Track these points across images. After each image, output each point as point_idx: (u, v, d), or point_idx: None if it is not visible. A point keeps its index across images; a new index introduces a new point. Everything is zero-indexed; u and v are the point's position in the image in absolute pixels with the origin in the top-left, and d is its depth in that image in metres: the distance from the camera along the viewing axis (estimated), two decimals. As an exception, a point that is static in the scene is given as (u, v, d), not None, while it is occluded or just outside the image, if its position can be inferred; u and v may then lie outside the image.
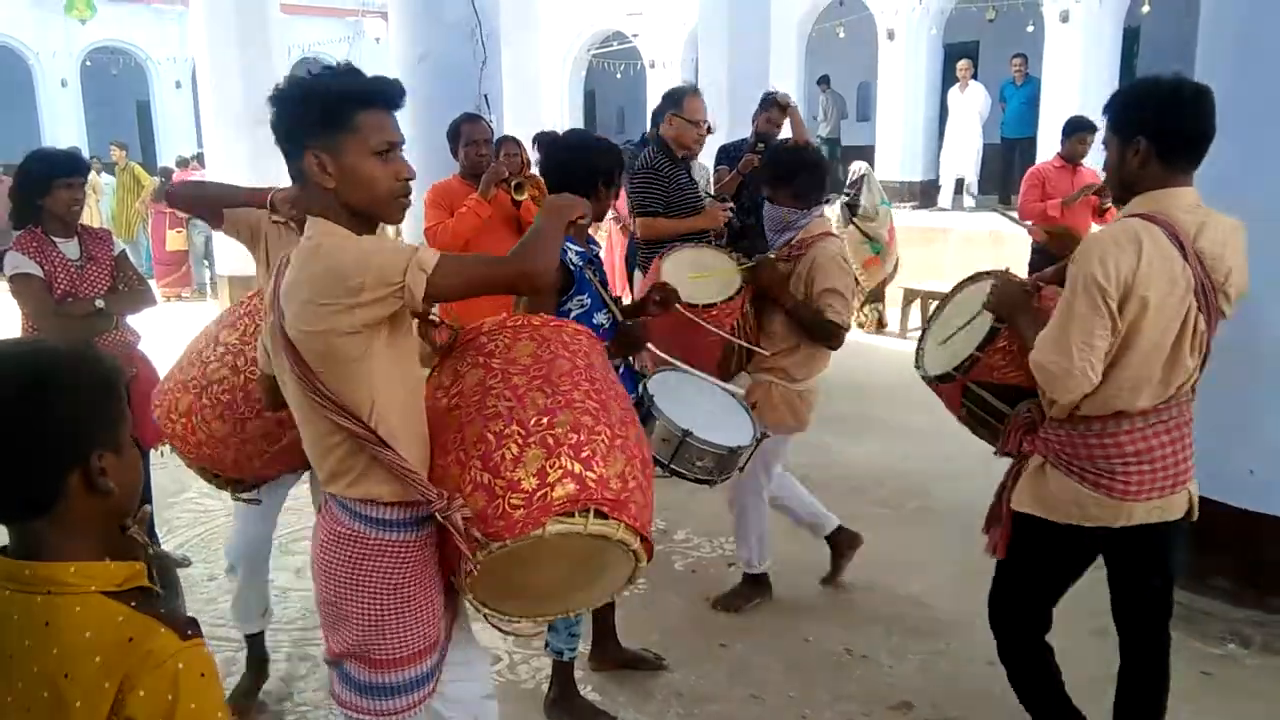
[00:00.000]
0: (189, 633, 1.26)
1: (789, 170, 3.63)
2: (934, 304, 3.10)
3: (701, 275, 3.54)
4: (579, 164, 2.95)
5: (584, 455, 1.96)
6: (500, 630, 2.25)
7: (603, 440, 2.00)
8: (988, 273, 2.88)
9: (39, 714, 1.22)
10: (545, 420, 1.97)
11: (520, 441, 1.95)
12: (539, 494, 1.91)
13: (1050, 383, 2.37)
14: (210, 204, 3.23)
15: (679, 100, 4.83)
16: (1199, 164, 2.40)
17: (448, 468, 2.00)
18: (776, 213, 3.65)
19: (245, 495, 2.94)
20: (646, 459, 2.11)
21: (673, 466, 2.86)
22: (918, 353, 3.00)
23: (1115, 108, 2.46)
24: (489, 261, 2.13)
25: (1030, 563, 2.63)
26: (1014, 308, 2.59)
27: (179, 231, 12.56)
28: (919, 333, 3.13)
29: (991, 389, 2.66)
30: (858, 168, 9.04)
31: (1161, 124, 2.35)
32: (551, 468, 1.93)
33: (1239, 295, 2.43)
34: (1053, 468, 2.48)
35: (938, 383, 2.80)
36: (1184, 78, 2.41)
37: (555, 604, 2.22)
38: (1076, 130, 6.63)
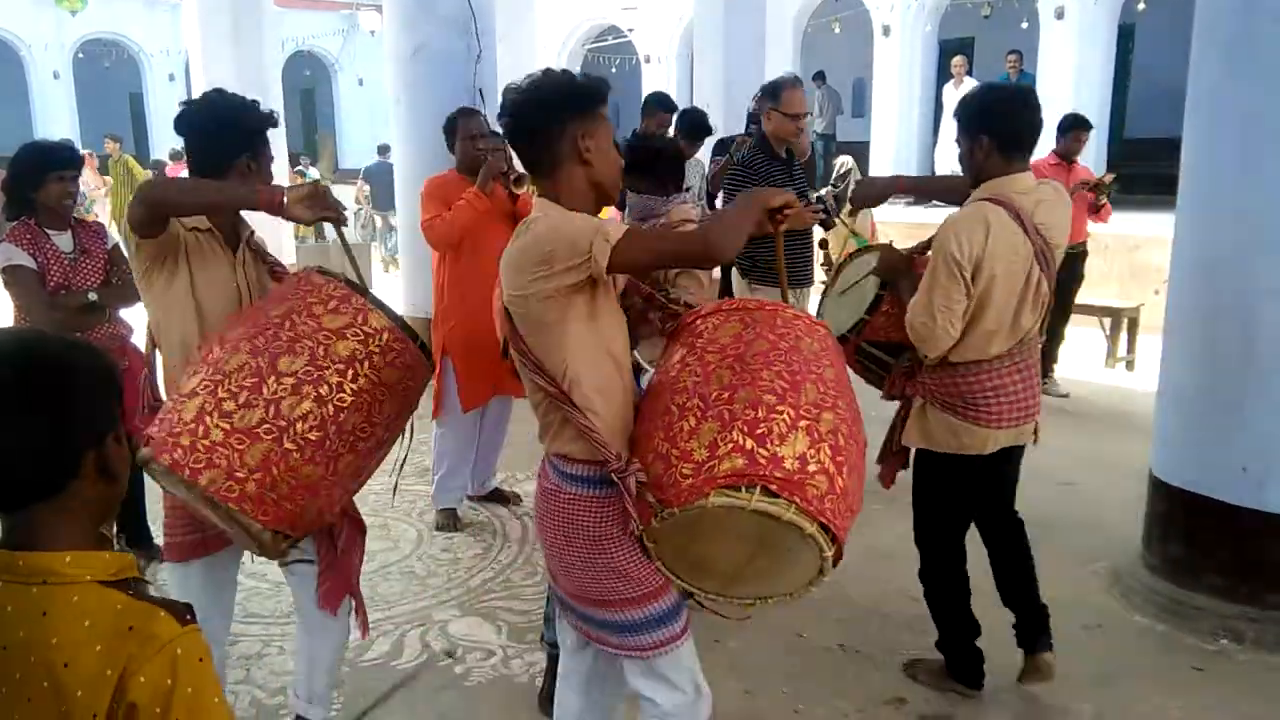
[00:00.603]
0: (186, 618, 1.27)
1: (647, 160, 3.62)
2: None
3: None
4: None
5: (758, 432, 1.95)
6: (702, 606, 2.27)
7: (783, 420, 1.97)
8: (872, 247, 3.34)
9: (39, 704, 1.22)
10: (725, 395, 2.01)
11: (698, 414, 2.01)
12: (707, 465, 1.95)
13: (919, 339, 2.89)
14: (172, 208, 2.49)
15: (776, 93, 4.58)
16: (1031, 154, 2.95)
17: (639, 438, 2.13)
18: (638, 202, 3.65)
19: (298, 557, 2.57)
20: (842, 447, 2.05)
21: None
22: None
23: (963, 112, 2.95)
24: (672, 237, 2.42)
25: (929, 492, 3.12)
26: (896, 272, 3.06)
27: None
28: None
29: (878, 345, 3.15)
30: (843, 162, 9.01)
31: (1001, 124, 2.86)
32: (723, 441, 1.95)
33: (1058, 248, 2.93)
34: (931, 406, 2.99)
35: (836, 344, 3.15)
36: (1015, 84, 3.03)
37: (745, 588, 2.20)
38: (1072, 127, 6.63)
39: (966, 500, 3.12)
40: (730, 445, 1.95)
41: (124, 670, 1.20)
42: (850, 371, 3.21)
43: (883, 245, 3.20)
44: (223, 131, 2.58)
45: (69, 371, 1.28)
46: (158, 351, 2.63)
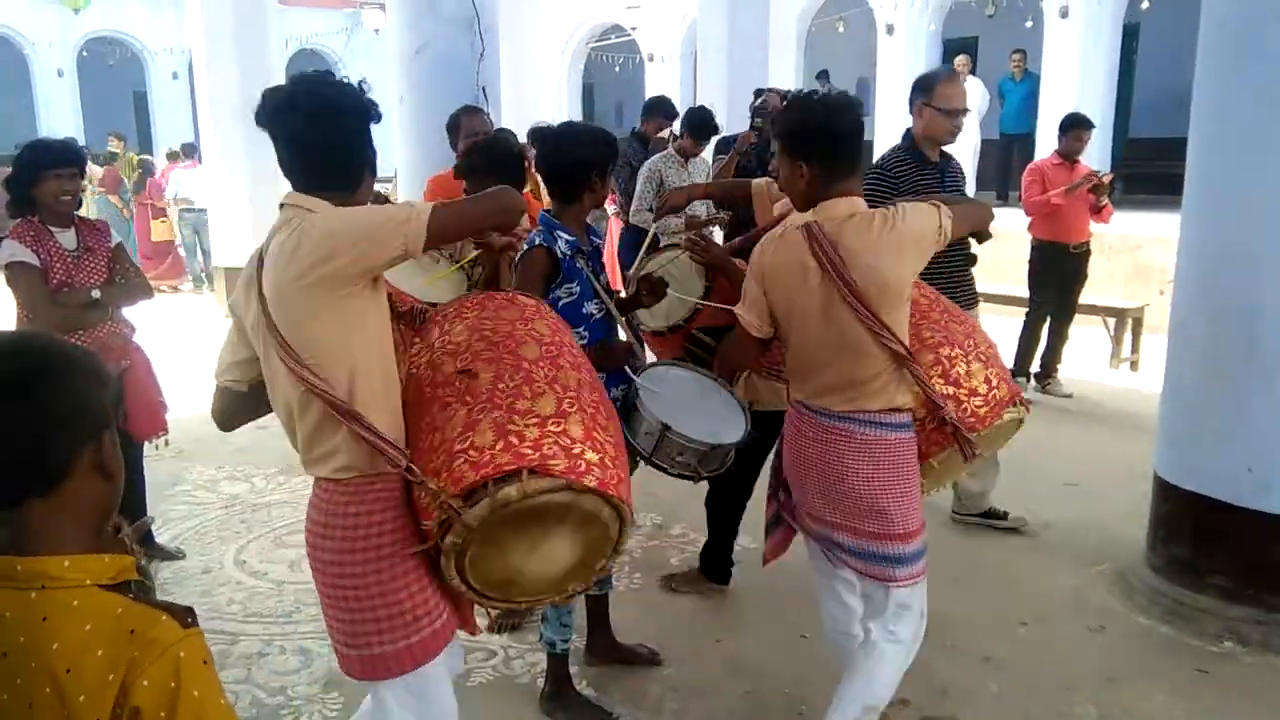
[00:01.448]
0: (188, 621, 1.26)
1: (490, 163, 3.33)
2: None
3: (436, 277, 2.99)
4: (571, 155, 2.95)
5: (999, 364, 2.79)
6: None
7: (996, 350, 2.82)
8: (671, 245, 3.66)
9: (41, 710, 1.22)
10: (970, 342, 2.73)
11: (965, 360, 2.69)
12: (990, 395, 2.70)
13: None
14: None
15: (930, 87, 3.93)
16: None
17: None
18: None
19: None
20: None
21: (654, 460, 2.84)
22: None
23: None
24: (969, 209, 2.81)
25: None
26: (723, 264, 3.32)
27: (163, 221, 12.39)
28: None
29: (707, 331, 3.40)
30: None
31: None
32: (992, 375, 2.72)
33: None
34: (754, 373, 3.42)
35: (668, 334, 3.46)
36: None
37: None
38: (1073, 126, 6.60)
39: (772, 446, 3.10)
40: (997, 379, 2.73)
41: (126, 675, 1.19)
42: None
43: (681, 243, 3.54)
44: (366, 127, 2.13)
45: (63, 365, 1.29)
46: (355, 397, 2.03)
